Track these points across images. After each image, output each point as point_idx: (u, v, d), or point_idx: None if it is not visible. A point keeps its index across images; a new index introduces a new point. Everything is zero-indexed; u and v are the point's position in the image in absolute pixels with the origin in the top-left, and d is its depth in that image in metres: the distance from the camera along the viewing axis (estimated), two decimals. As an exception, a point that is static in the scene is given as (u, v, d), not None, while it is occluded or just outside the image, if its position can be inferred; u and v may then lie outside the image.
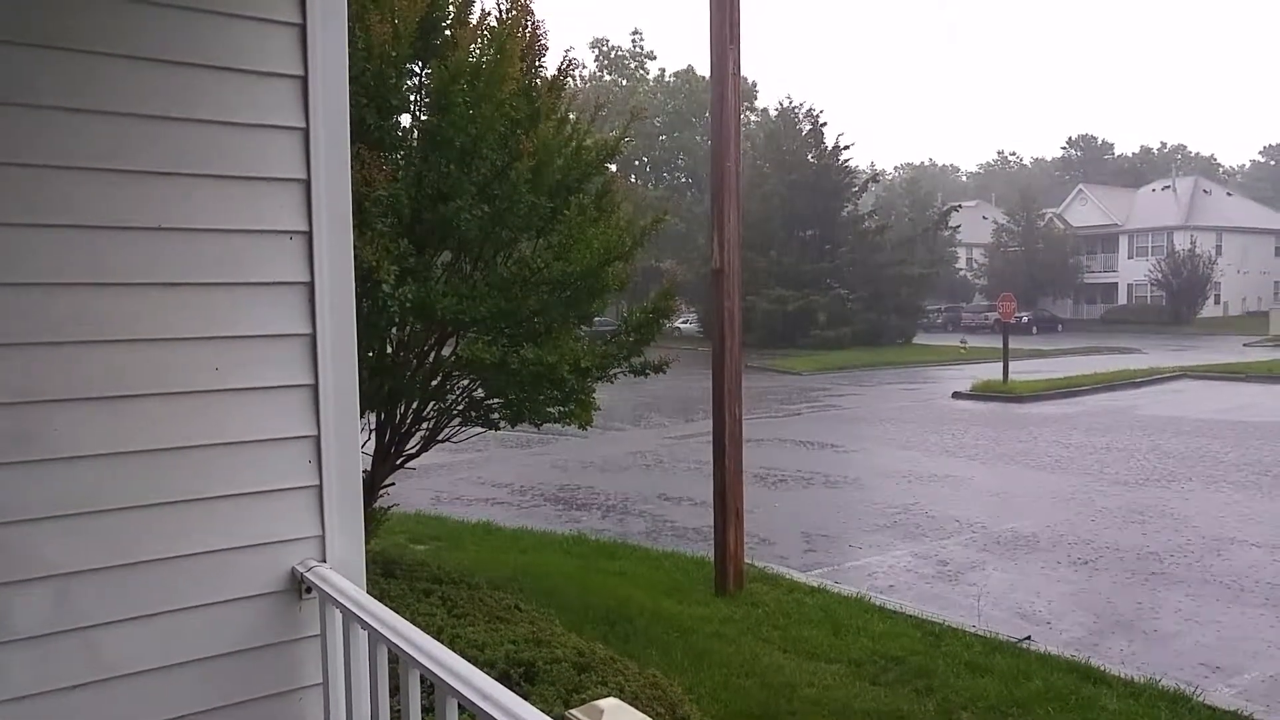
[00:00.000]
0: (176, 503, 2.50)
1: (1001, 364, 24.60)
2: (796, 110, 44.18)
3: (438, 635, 3.95)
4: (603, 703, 1.93)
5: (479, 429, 6.56)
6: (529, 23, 6.02)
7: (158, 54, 2.42)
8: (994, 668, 5.91)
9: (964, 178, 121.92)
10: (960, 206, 54.55)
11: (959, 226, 50.30)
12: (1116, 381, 25.38)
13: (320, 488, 2.69)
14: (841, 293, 39.60)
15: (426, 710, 2.29)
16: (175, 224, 2.47)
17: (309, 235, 2.64)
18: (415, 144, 5.78)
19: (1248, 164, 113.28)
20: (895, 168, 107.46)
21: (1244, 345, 40.31)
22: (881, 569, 8.79)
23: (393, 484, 6.64)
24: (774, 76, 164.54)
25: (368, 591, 2.56)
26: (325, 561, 2.68)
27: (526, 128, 5.84)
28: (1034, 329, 50.51)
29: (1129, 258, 62.97)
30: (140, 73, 2.41)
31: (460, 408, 6.41)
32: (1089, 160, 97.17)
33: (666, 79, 55.65)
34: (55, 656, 2.35)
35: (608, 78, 55.57)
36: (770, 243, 40.56)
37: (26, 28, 2.27)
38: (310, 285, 2.65)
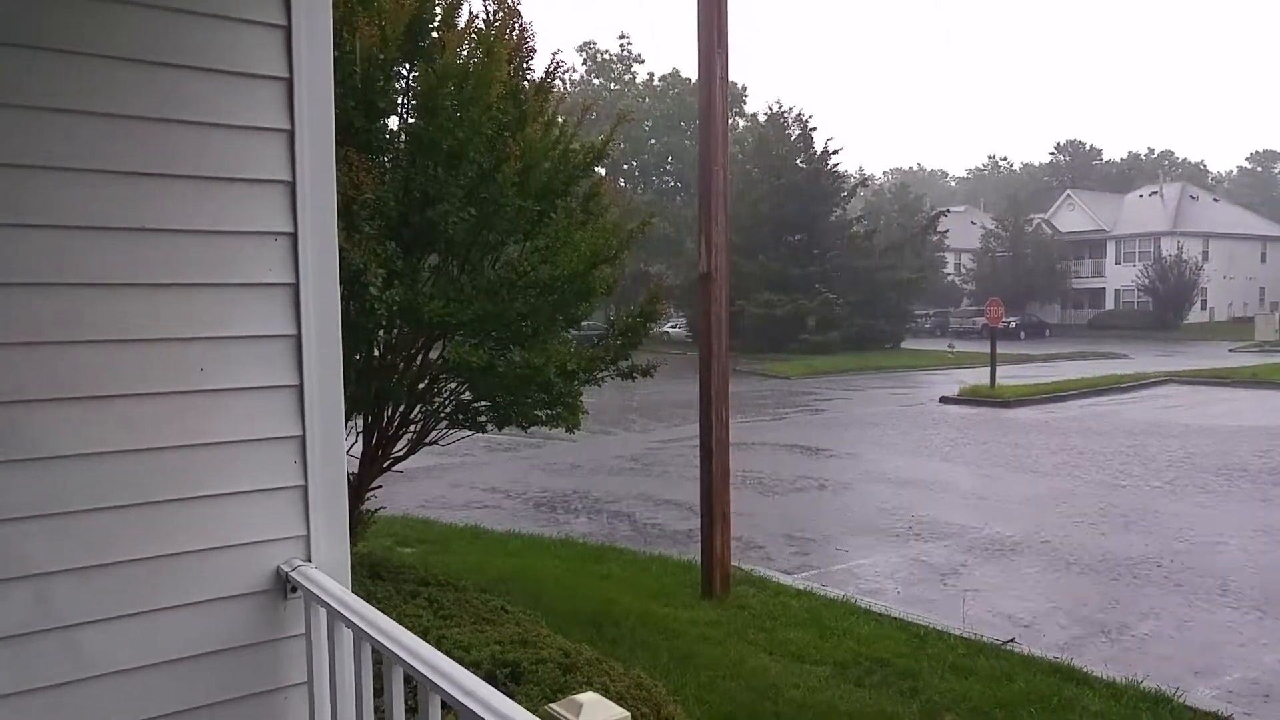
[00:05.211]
0: (161, 502, 2.51)
1: (989, 369, 24.72)
2: (786, 115, 44.19)
3: (424, 636, 3.95)
4: (582, 697, 1.95)
5: (466, 432, 6.56)
6: (517, 25, 6.04)
7: (142, 55, 2.43)
8: (978, 669, 5.94)
9: (953, 183, 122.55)
10: (949, 211, 54.71)
11: (947, 231, 50.42)
12: (1103, 386, 25.54)
13: (305, 488, 2.70)
14: (830, 297, 39.63)
15: (410, 708, 2.30)
16: (159, 225, 2.48)
17: (294, 237, 2.65)
18: (403, 147, 5.78)
19: (1234, 170, 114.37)
20: (884, 172, 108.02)
21: (1230, 350, 40.65)
22: (868, 572, 8.82)
23: (380, 487, 6.63)
24: (763, 80, 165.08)
25: (353, 592, 2.57)
26: (310, 561, 2.69)
27: (514, 131, 5.84)
28: (1021, 334, 50.74)
29: (1116, 263, 63.33)
30: (124, 73, 2.42)
31: (447, 410, 6.41)
32: (1077, 166, 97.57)
33: (655, 83, 55.65)
34: (36, 656, 2.35)
35: (596, 81, 55.54)
36: (759, 247, 40.60)
37: (9, 27, 2.27)
38: (295, 286, 2.66)
